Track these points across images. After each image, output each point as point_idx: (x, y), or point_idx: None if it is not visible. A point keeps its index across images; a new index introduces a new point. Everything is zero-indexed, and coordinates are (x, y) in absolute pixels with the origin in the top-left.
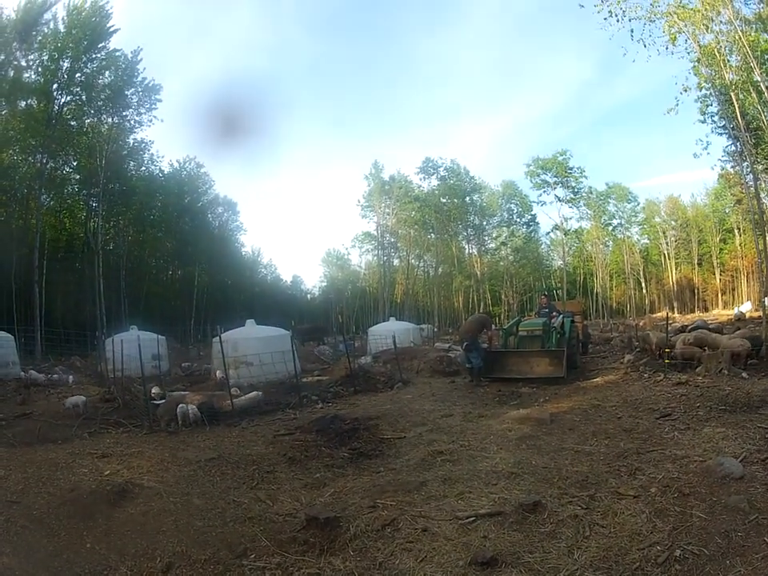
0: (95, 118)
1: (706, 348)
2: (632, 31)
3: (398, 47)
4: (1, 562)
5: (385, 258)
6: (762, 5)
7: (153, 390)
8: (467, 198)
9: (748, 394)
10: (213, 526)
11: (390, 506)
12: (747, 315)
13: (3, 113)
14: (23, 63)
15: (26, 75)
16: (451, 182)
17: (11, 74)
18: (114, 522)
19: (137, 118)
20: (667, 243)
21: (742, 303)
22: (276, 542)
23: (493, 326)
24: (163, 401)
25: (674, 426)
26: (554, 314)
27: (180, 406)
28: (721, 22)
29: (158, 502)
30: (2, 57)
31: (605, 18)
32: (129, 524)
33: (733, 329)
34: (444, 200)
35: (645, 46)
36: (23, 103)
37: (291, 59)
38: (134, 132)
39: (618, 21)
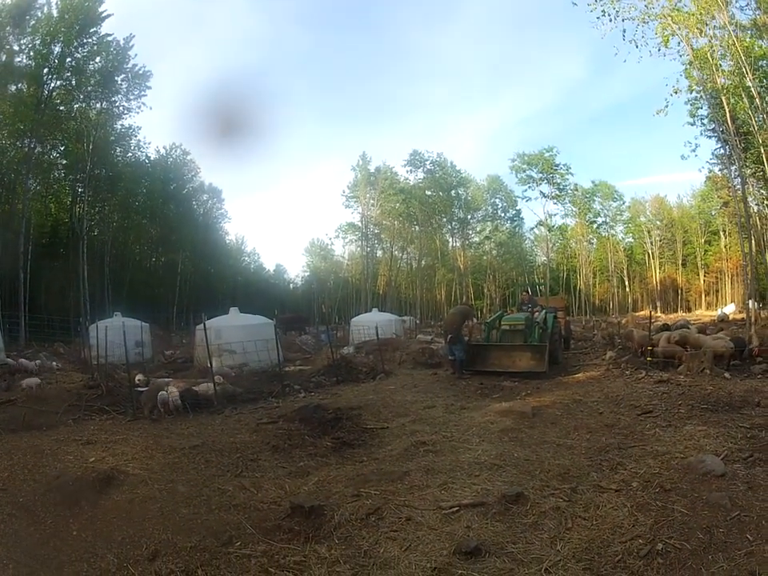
0: (84, 104)
1: (688, 347)
2: (624, 31)
3: (390, 40)
4: None
5: (368, 249)
6: (758, 11)
7: (136, 377)
8: (452, 192)
9: (730, 394)
10: (198, 513)
11: (374, 495)
12: (731, 317)
13: None
14: (15, 47)
15: (18, 59)
16: (437, 175)
17: (3, 57)
18: (99, 510)
19: (125, 105)
20: (652, 243)
21: (726, 305)
22: (261, 529)
23: (474, 318)
24: (146, 388)
25: (655, 423)
26: (537, 308)
27: (161, 393)
28: (715, 26)
29: (143, 489)
30: None
31: (597, 18)
32: (114, 511)
33: (716, 330)
34: (429, 193)
35: (637, 47)
36: (13, 87)
37: (283, 50)
38: (122, 118)
39: (611, 20)
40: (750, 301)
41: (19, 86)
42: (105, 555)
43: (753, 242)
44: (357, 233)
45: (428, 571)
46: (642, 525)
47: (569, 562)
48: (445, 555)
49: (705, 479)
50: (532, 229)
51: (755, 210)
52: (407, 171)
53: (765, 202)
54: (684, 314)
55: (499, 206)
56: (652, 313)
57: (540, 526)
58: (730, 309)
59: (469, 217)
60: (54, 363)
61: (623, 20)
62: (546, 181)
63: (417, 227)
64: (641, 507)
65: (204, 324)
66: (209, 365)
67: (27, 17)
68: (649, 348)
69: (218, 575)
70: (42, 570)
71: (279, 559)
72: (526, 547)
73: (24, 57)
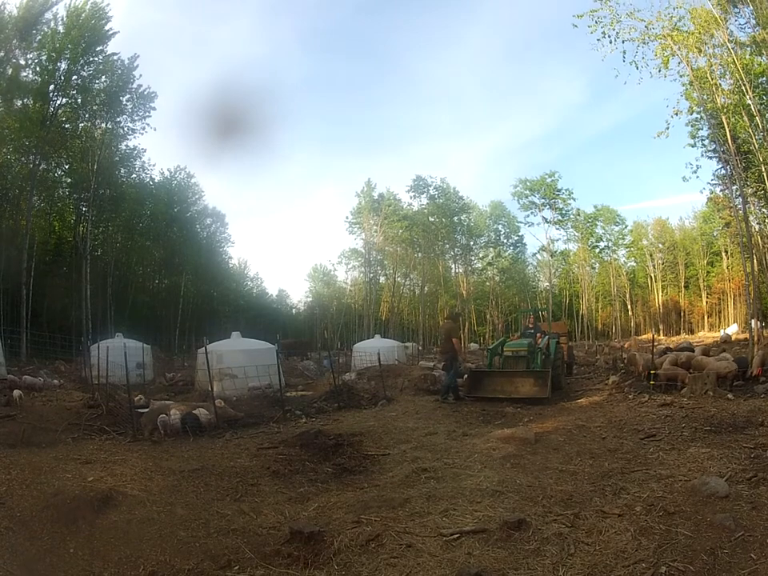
0: (89, 122)
1: (691, 369)
2: (624, 53)
3: (392, 66)
4: None
5: (371, 275)
6: (757, 28)
7: (137, 399)
8: (455, 218)
9: (733, 415)
10: (196, 536)
11: (374, 522)
12: (733, 337)
13: None
14: (22, 62)
15: (24, 74)
16: (440, 201)
17: (9, 71)
18: (97, 529)
19: (130, 125)
20: (654, 266)
21: (729, 326)
22: (260, 554)
23: (458, 334)
24: (147, 409)
25: (658, 447)
26: (540, 334)
27: (162, 415)
28: (714, 45)
29: (141, 510)
30: (2, 53)
31: (597, 39)
32: (112, 531)
33: (718, 351)
34: (432, 219)
35: (637, 68)
36: (19, 102)
37: (286, 74)
38: (127, 139)
39: (610, 42)
40: (753, 320)
41: (25, 101)
42: (101, 574)
43: (755, 261)
44: (360, 259)
45: None
46: (646, 549)
47: None
48: None
49: (708, 501)
50: (534, 254)
51: (757, 230)
52: (411, 197)
53: (766, 221)
54: (687, 336)
55: (502, 232)
56: (655, 336)
57: (542, 552)
58: (732, 329)
59: (471, 243)
60: (56, 381)
61: (623, 41)
62: (548, 206)
63: (419, 253)
64: (644, 531)
65: (206, 348)
66: (210, 388)
67: (34, 31)
68: (652, 371)
69: None
70: None
71: None
72: (528, 574)
73: (30, 72)
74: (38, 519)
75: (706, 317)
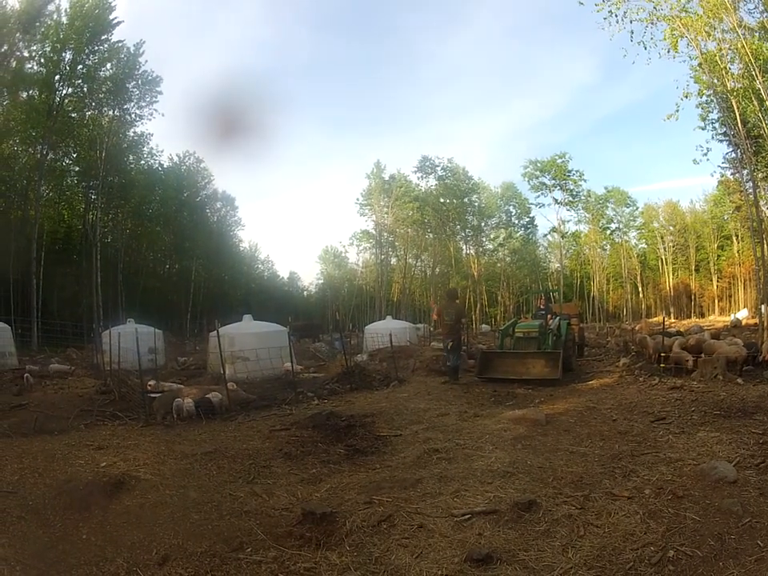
0: (96, 111)
1: (701, 353)
2: (632, 33)
3: (400, 47)
4: None
5: (382, 256)
6: (765, 14)
7: (149, 384)
8: (466, 199)
9: (743, 400)
10: (209, 519)
11: (386, 503)
12: (744, 322)
13: (5, 103)
14: (26, 54)
15: (29, 66)
16: (450, 182)
17: (14, 64)
18: (109, 514)
19: (137, 112)
20: (665, 248)
21: (739, 310)
22: (272, 535)
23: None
24: (159, 394)
25: (668, 430)
26: (550, 315)
27: (176, 399)
28: (723, 30)
29: (154, 494)
30: (5, 47)
31: (604, 18)
32: (125, 516)
33: (728, 335)
34: (443, 200)
35: (645, 49)
36: (25, 94)
37: (293, 56)
38: (135, 125)
39: (617, 22)
40: (763, 306)
41: (30, 92)
42: (114, 559)
43: (765, 246)
44: (371, 240)
45: None
46: (654, 532)
47: (580, 569)
48: (456, 563)
49: (717, 486)
50: (545, 235)
51: (767, 214)
52: (417, 177)
53: None
54: (697, 319)
55: (513, 213)
56: (665, 319)
57: (552, 534)
58: (743, 314)
59: (482, 224)
60: (68, 368)
61: (631, 21)
62: (558, 187)
63: (431, 234)
64: (653, 514)
65: (218, 331)
66: (222, 372)
67: (37, 23)
68: (662, 354)
69: None
70: (50, 572)
71: (290, 565)
72: (537, 555)
73: (35, 64)
74: (50, 507)
75: (716, 301)
